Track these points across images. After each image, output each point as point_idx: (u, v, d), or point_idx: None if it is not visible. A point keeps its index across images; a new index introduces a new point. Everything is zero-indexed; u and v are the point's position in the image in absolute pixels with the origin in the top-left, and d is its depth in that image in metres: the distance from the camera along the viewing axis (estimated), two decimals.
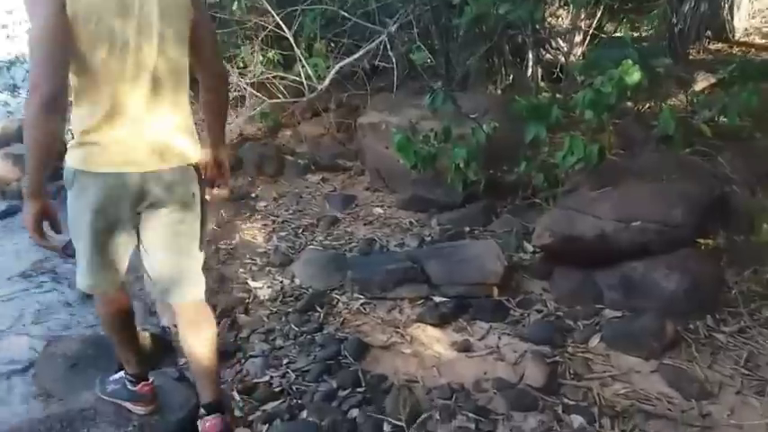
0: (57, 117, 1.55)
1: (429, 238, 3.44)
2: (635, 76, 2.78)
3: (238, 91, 4.98)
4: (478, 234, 3.41)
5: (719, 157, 3.28)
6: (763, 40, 5.47)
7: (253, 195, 4.50)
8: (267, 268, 3.36)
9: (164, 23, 1.69)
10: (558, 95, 4.54)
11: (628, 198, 2.70)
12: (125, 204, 1.75)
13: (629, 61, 2.80)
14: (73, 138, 1.74)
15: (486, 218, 3.52)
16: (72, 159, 1.72)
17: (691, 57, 5.23)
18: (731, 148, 3.44)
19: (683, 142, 3.29)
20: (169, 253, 1.87)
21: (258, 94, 4.78)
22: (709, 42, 5.43)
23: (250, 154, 4.90)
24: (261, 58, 4.87)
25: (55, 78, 1.53)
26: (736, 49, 5.39)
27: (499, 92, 4.87)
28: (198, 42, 1.80)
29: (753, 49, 5.37)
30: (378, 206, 4.08)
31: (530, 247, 3.12)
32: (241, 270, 3.37)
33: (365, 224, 3.85)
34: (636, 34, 5.37)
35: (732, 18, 5.38)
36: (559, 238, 2.66)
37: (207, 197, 2.01)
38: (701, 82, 4.29)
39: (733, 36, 5.50)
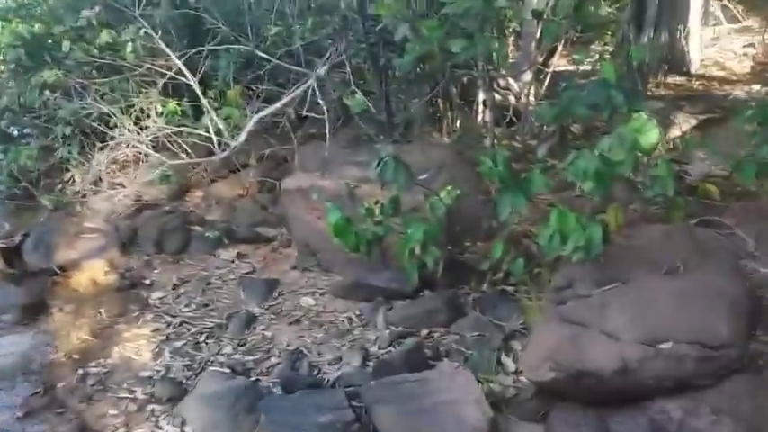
0: None
1: (376, 349, 2.56)
2: (651, 135, 2.04)
3: (135, 149, 4.03)
4: (440, 339, 2.56)
5: (738, 230, 2.59)
6: (723, 72, 4.93)
7: (147, 282, 3.53)
8: (150, 407, 2.39)
9: None
10: (514, 142, 3.84)
11: (647, 302, 1.93)
12: None
13: (643, 115, 2.07)
14: None
15: (449, 314, 2.69)
16: None
17: (650, 92, 4.63)
18: (742, 213, 2.78)
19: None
20: None
21: (156, 154, 3.83)
22: (666, 76, 4.84)
23: (148, 226, 3.92)
24: (161, 109, 3.94)
25: None
26: (696, 83, 4.84)
27: (446, 140, 4.11)
28: None
29: (715, 83, 4.81)
30: (308, 293, 3.19)
31: (511, 365, 2.30)
32: (111, 411, 2.39)
33: (291, 323, 2.94)
34: (581, 68, 4.72)
35: (688, 49, 4.83)
36: (566, 373, 1.85)
37: None
38: (682, 124, 3.66)
39: (689, 69, 4.94)
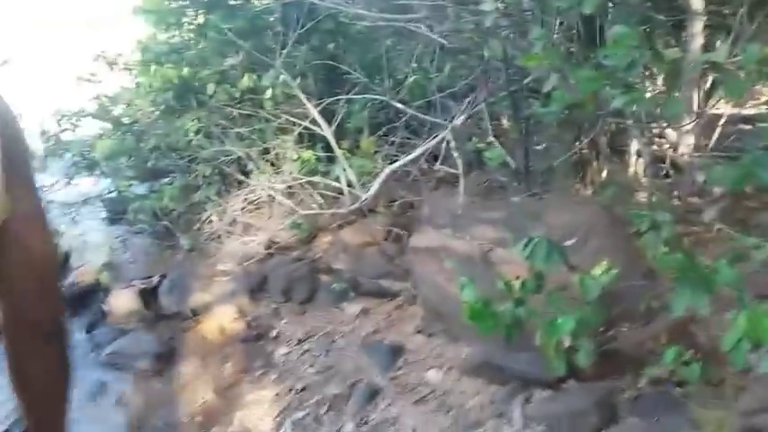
0: None
1: None
2: None
3: (269, 194, 4.06)
4: None
5: None
6: None
7: (273, 334, 3.48)
8: None
9: None
10: (672, 198, 3.35)
11: None
12: None
13: None
14: None
15: (601, 416, 2.31)
16: None
17: None
18: None
19: None
20: None
21: (288, 201, 3.81)
22: None
23: (276, 273, 3.90)
24: (294, 156, 3.93)
25: None
26: None
27: (590, 192, 3.69)
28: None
29: None
30: (434, 366, 2.94)
31: None
32: None
33: (416, 401, 2.71)
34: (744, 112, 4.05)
35: None
36: None
37: None
38: None
39: None
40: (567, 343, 2.24)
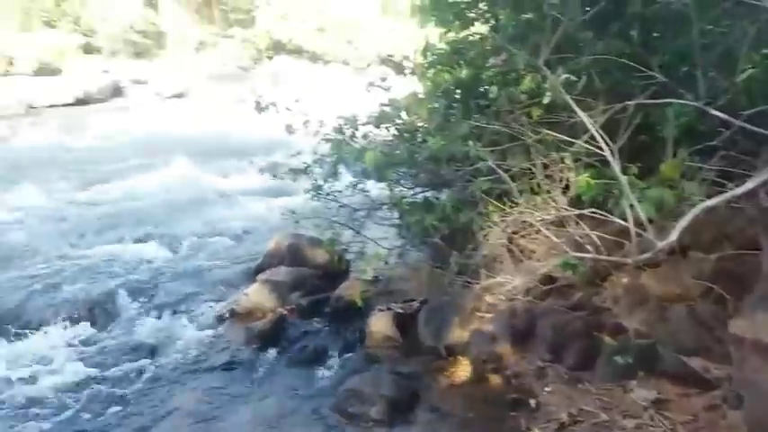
0: None
1: None
2: None
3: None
4: None
5: None
6: None
7: (531, 404, 2.83)
8: None
9: None
10: None
11: None
12: None
13: None
14: None
15: None
16: None
17: None
18: None
19: None
20: None
21: (555, 239, 3.05)
22: None
23: (547, 322, 3.20)
24: (573, 179, 3.10)
25: None
26: None
27: None
28: None
29: None
30: None
31: None
32: None
33: None
34: None
35: None
36: None
37: None
38: None
39: None
40: None
